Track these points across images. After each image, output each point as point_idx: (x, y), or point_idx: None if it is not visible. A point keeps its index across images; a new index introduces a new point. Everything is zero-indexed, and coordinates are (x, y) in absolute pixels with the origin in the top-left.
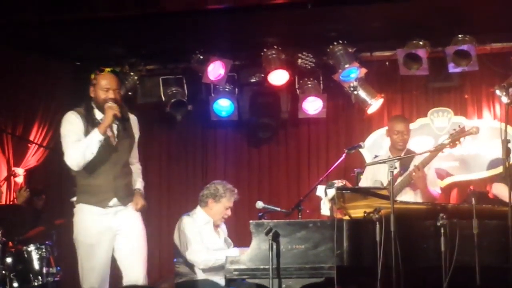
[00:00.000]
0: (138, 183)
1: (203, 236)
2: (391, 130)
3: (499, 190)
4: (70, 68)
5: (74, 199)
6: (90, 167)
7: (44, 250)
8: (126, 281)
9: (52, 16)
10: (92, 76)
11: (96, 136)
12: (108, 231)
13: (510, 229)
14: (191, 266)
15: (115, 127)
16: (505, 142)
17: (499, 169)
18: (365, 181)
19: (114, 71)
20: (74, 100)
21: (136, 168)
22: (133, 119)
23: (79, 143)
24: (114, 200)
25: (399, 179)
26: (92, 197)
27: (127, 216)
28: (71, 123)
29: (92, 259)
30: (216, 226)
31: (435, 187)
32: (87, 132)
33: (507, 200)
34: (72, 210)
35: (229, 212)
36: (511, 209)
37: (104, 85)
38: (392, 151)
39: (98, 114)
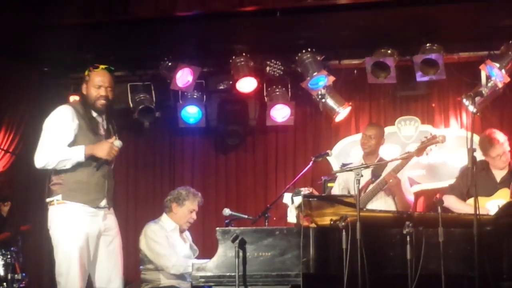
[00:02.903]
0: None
1: (171, 242)
2: (362, 134)
3: (449, 202)
4: (38, 74)
5: (55, 198)
6: (85, 165)
7: (9, 256)
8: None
9: (20, 21)
10: (86, 73)
11: (80, 157)
12: (97, 233)
13: (475, 237)
14: (158, 273)
15: (105, 124)
16: (471, 150)
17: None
18: (337, 189)
19: (109, 68)
20: (40, 105)
21: None
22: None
23: (60, 150)
24: (104, 201)
25: (370, 187)
26: (83, 195)
27: (112, 220)
28: (63, 121)
29: (81, 262)
30: (181, 232)
31: (410, 195)
32: (80, 128)
33: (457, 211)
34: (40, 211)
35: (194, 216)
36: (476, 217)
37: (97, 82)
38: (365, 158)
39: (93, 112)
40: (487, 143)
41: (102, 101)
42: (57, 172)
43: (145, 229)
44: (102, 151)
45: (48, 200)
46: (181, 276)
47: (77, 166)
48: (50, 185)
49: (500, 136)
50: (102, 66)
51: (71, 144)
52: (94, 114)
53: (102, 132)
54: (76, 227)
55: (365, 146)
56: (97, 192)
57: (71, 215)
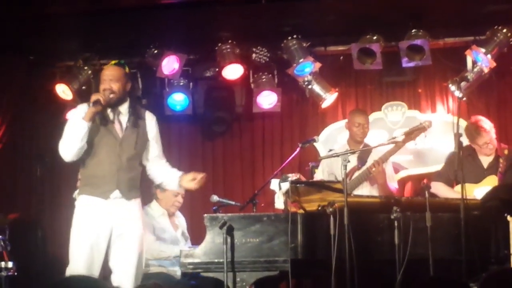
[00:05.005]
0: (176, 171)
1: (157, 228)
2: (352, 123)
3: (437, 189)
4: (24, 63)
5: (76, 192)
6: (94, 159)
7: None
8: (113, 279)
9: (6, 10)
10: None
11: (80, 123)
12: (106, 222)
13: (462, 222)
14: (146, 259)
15: (124, 118)
16: (458, 136)
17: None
18: (321, 174)
19: (119, 63)
20: (27, 94)
21: (165, 164)
22: (149, 118)
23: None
24: (116, 192)
25: (356, 173)
26: (95, 189)
27: (127, 212)
28: (76, 116)
29: (85, 250)
30: (171, 216)
31: (393, 182)
32: (95, 125)
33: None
34: (28, 200)
35: (179, 199)
36: (463, 201)
37: (102, 77)
38: (351, 144)
39: (109, 110)
40: (474, 132)
41: (106, 94)
42: (79, 168)
43: None
44: (90, 103)
45: (73, 196)
46: (167, 263)
47: (88, 161)
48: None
49: (486, 124)
50: (112, 62)
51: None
52: (109, 110)
53: (117, 125)
54: (85, 220)
55: (361, 136)
56: (106, 184)
57: (83, 209)
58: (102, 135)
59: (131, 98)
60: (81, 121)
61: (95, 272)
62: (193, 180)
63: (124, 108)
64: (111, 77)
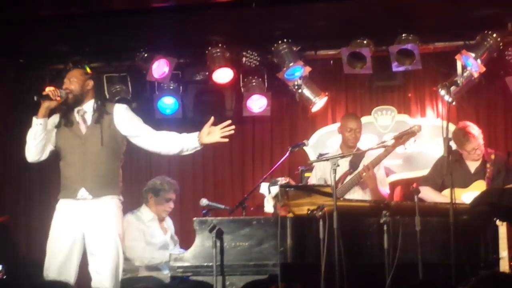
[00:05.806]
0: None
1: (147, 233)
2: (344, 128)
3: (424, 193)
4: (13, 66)
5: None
6: (64, 161)
7: None
8: (92, 286)
9: None
10: None
11: (33, 122)
12: (76, 224)
13: (451, 226)
14: (136, 265)
15: (89, 117)
16: (447, 140)
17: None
18: (314, 179)
19: (78, 66)
20: (16, 97)
21: (164, 133)
22: (117, 110)
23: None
24: (82, 191)
25: (348, 178)
26: (65, 190)
27: (97, 211)
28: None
29: (55, 251)
30: (161, 221)
31: (385, 187)
32: (58, 125)
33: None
34: (15, 204)
35: (171, 205)
36: (452, 206)
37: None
38: (344, 148)
39: (76, 111)
40: (462, 137)
41: (58, 90)
42: None
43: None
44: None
45: None
46: (155, 268)
47: (61, 165)
48: None
49: (474, 130)
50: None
51: (51, 139)
52: (76, 109)
53: (81, 125)
54: (57, 225)
55: (353, 141)
56: (73, 183)
57: (56, 213)
58: (68, 137)
59: (96, 96)
60: (34, 119)
61: (68, 278)
62: (211, 133)
63: (88, 107)
64: (69, 78)
